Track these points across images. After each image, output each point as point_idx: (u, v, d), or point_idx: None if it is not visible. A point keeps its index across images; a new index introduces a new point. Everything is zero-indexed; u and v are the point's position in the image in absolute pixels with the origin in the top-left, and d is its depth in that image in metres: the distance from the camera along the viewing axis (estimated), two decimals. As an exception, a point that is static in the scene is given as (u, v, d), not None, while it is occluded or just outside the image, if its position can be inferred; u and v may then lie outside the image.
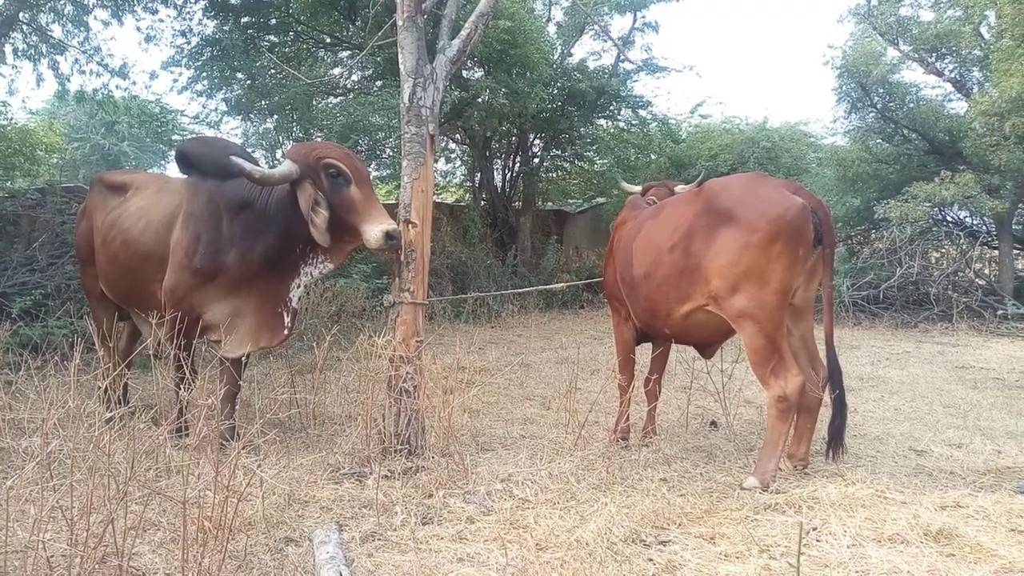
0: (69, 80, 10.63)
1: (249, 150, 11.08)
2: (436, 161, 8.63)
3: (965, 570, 2.62)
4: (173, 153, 4.60)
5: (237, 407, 4.32)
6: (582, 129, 13.12)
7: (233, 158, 3.80)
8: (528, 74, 10.35)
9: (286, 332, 4.18)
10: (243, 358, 4.25)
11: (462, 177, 15.84)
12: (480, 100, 10.14)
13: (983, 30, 11.61)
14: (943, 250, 12.12)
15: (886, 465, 3.95)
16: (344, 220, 3.86)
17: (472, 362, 6.34)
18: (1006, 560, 2.66)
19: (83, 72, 10.64)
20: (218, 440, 3.24)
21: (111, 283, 4.58)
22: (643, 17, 13.14)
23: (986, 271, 12.32)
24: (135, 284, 4.38)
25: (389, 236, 3.75)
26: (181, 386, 3.84)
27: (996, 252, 12.07)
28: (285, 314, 4.15)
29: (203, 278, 4.04)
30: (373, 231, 3.77)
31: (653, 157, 14.10)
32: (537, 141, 13.94)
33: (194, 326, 4.09)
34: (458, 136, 13.43)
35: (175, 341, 3.90)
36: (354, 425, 4.25)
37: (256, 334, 4.14)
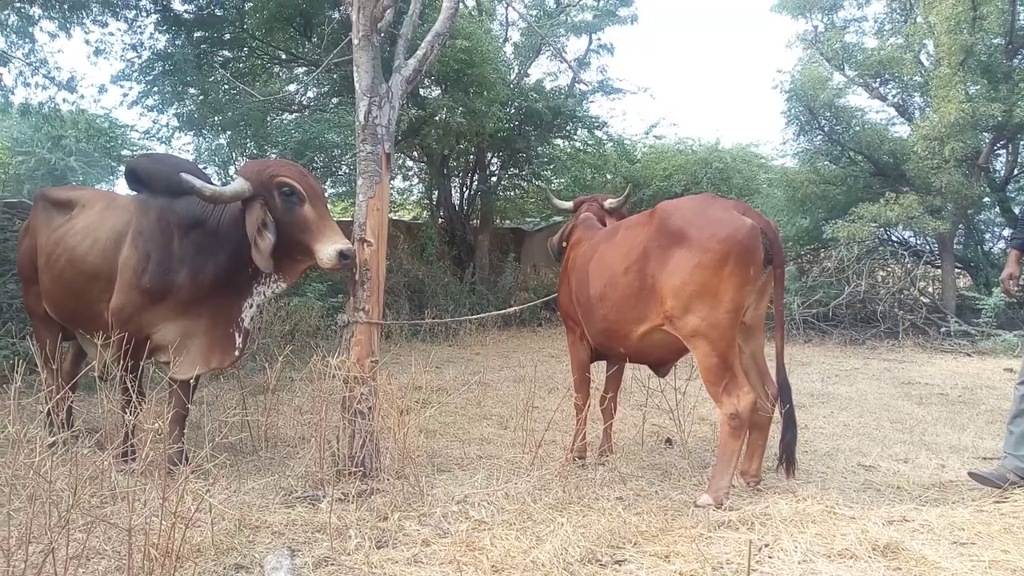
0: (13, 93, 10.35)
1: (201, 166, 10.94)
2: (393, 179, 8.59)
3: (911, 583, 2.68)
4: (122, 169, 4.49)
5: (186, 430, 4.23)
6: (539, 148, 13.22)
7: (183, 175, 3.70)
8: (485, 93, 10.40)
9: (237, 353, 4.08)
10: (192, 380, 4.15)
11: (419, 195, 15.83)
12: (437, 118, 10.16)
13: (923, 57, 12.11)
14: (889, 269, 12.50)
15: (836, 481, 4.03)
16: (297, 239, 3.80)
17: (429, 381, 6.29)
18: (949, 572, 2.73)
19: (28, 85, 10.36)
20: (166, 465, 3.17)
21: (55, 303, 4.44)
22: (599, 39, 13.35)
23: (930, 289, 12.74)
24: (81, 304, 4.25)
25: (343, 255, 3.70)
26: (127, 409, 3.73)
27: (939, 271, 12.49)
28: (237, 334, 4.07)
29: (152, 298, 3.93)
30: (326, 250, 3.72)
31: (609, 177, 14.28)
32: (495, 160, 14.00)
33: (142, 347, 3.98)
34: (415, 154, 13.43)
35: (122, 362, 3.80)
36: (307, 447, 4.19)
37: (207, 355, 4.04)
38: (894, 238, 12.81)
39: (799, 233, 13.13)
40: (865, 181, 12.45)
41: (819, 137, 12.91)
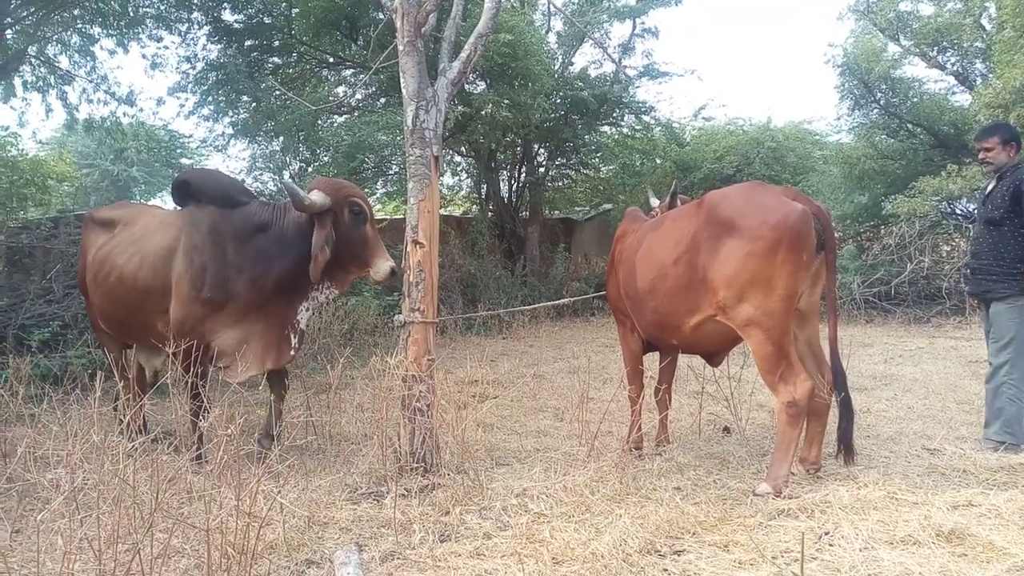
0: (77, 109, 10.87)
1: (256, 172, 11.23)
2: (442, 175, 8.68)
3: (977, 570, 2.64)
4: (177, 182, 4.72)
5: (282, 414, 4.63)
6: (586, 137, 13.15)
7: (284, 180, 4.26)
8: (530, 85, 10.42)
9: (292, 353, 4.42)
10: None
11: (468, 189, 15.93)
12: (483, 113, 10.21)
13: (984, 22, 11.61)
14: (953, 243, 12.07)
15: (899, 465, 3.97)
16: (356, 253, 4.27)
17: (484, 375, 6.39)
18: (1018, 558, 2.68)
19: (91, 101, 10.89)
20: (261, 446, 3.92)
21: (107, 318, 4.68)
22: (643, 23, 13.20)
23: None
24: (134, 318, 4.48)
25: (393, 272, 4.25)
26: (200, 415, 3.93)
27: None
28: (292, 335, 4.40)
29: (213, 307, 4.19)
30: (383, 266, 4.28)
31: (658, 162, 14.15)
32: (542, 151, 14.00)
33: (207, 353, 4.22)
34: (463, 149, 13.51)
35: (191, 370, 4.01)
36: (370, 445, 4.32)
37: (263, 356, 4.33)
38: (958, 211, 12.31)
39: (857, 210, 12.76)
40: (925, 154, 12.04)
41: (875, 111, 12.54)
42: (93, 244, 4.78)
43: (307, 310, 4.45)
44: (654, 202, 5.33)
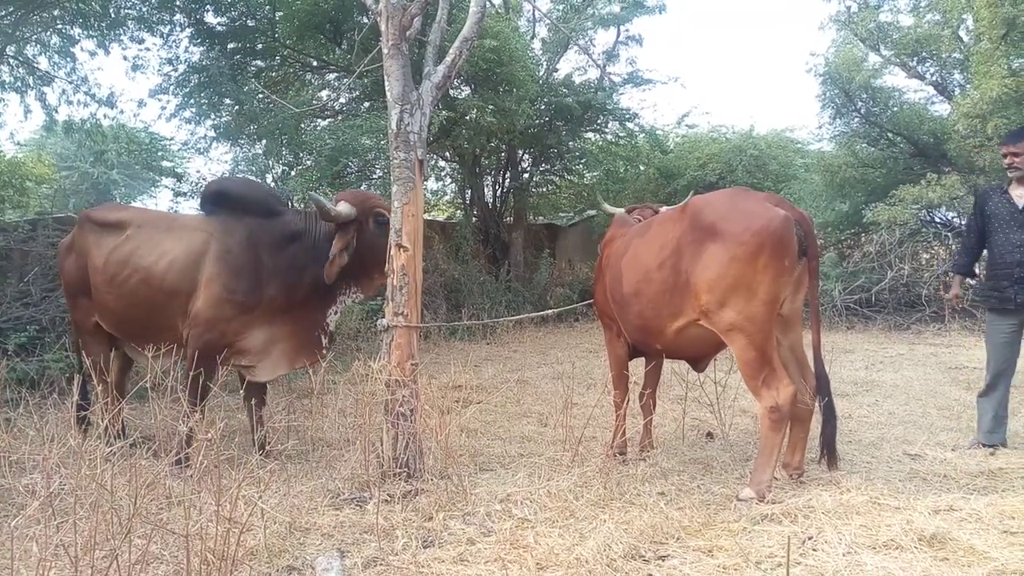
0: (57, 111, 10.69)
1: (238, 175, 11.15)
2: (426, 180, 8.66)
3: (958, 573, 2.66)
4: (212, 190, 4.75)
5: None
6: (570, 143, 13.17)
7: (311, 194, 4.43)
8: (515, 91, 10.41)
9: (324, 351, 4.63)
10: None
11: (452, 194, 15.89)
12: (468, 118, 10.19)
13: (962, 33, 11.76)
14: (932, 251, 12.21)
15: (880, 471, 4.00)
16: (383, 260, 4.32)
17: (468, 380, 6.36)
18: (998, 562, 2.71)
19: (71, 103, 10.71)
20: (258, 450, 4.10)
21: (121, 319, 4.58)
22: (627, 31, 13.24)
23: (976, 270, 12.38)
24: (153, 319, 4.46)
25: None
26: (190, 415, 3.90)
27: (985, 252, 12.13)
28: (323, 336, 4.59)
29: (245, 309, 4.33)
30: None
31: (642, 168, 14.21)
32: (526, 156, 13.99)
33: (218, 356, 4.25)
34: (447, 154, 13.48)
35: (192, 371, 4.03)
36: (352, 450, 4.28)
37: (292, 356, 4.56)
38: (937, 219, 12.48)
39: (838, 218, 12.88)
40: (905, 163, 12.18)
41: (856, 119, 12.65)
42: (98, 245, 4.65)
43: (336, 313, 4.66)
44: (609, 208, 5.37)
